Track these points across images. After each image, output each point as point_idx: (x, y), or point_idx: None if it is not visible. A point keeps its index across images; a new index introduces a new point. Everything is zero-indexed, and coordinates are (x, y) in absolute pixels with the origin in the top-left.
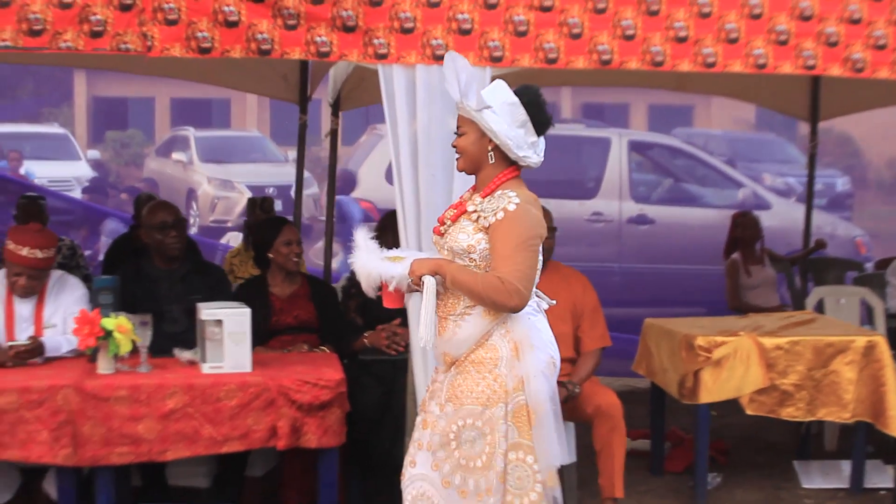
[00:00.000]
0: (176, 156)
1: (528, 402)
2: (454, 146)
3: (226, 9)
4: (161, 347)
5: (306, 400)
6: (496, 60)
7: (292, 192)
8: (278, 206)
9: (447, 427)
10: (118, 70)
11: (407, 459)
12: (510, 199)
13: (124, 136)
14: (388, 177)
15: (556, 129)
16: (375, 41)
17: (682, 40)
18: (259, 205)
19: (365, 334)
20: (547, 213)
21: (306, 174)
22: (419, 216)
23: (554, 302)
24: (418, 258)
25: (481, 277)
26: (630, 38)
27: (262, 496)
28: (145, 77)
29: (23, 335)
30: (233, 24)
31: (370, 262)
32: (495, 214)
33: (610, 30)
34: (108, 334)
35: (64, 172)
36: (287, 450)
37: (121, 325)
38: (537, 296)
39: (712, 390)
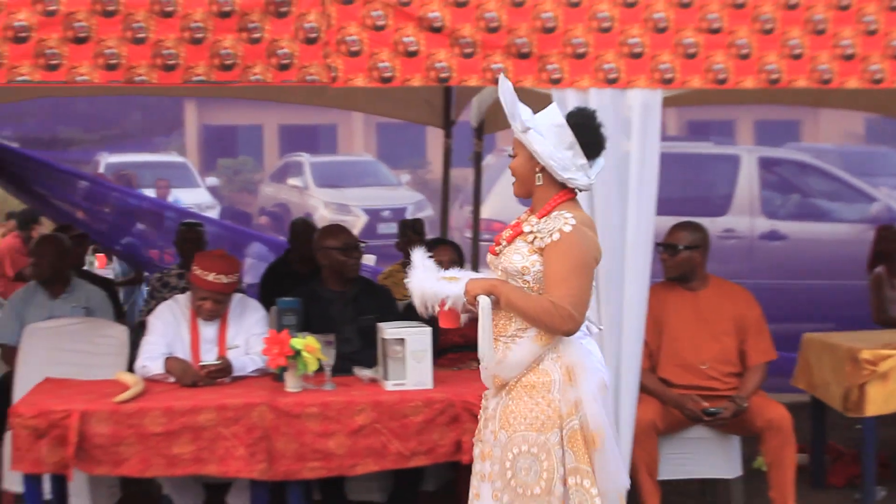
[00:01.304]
0: (291, 181)
1: (584, 426)
2: (509, 168)
3: (405, 39)
4: (336, 367)
5: None
6: (667, 83)
7: (406, 214)
8: (392, 227)
9: (503, 455)
10: (235, 97)
11: (471, 492)
12: (566, 220)
13: (236, 164)
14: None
15: (685, 148)
16: (549, 67)
17: (849, 58)
18: (410, 226)
19: None
20: (704, 231)
21: (420, 196)
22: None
23: (602, 328)
24: (473, 278)
25: (534, 300)
26: (797, 57)
27: None
28: (253, 104)
29: (207, 356)
30: (412, 54)
31: (426, 282)
32: (551, 235)
33: (778, 49)
34: (296, 354)
35: (186, 200)
36: (464, 464)
37: (309, 345)
38: (588, 320)
39: (878, 403)
